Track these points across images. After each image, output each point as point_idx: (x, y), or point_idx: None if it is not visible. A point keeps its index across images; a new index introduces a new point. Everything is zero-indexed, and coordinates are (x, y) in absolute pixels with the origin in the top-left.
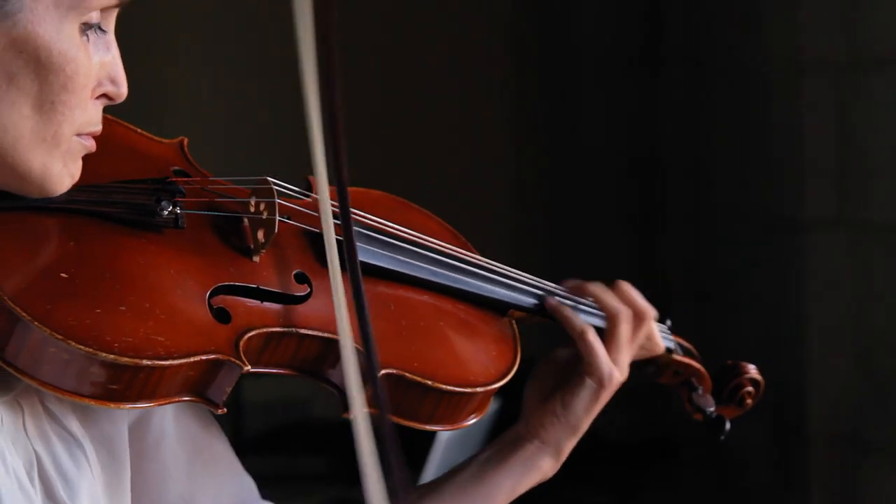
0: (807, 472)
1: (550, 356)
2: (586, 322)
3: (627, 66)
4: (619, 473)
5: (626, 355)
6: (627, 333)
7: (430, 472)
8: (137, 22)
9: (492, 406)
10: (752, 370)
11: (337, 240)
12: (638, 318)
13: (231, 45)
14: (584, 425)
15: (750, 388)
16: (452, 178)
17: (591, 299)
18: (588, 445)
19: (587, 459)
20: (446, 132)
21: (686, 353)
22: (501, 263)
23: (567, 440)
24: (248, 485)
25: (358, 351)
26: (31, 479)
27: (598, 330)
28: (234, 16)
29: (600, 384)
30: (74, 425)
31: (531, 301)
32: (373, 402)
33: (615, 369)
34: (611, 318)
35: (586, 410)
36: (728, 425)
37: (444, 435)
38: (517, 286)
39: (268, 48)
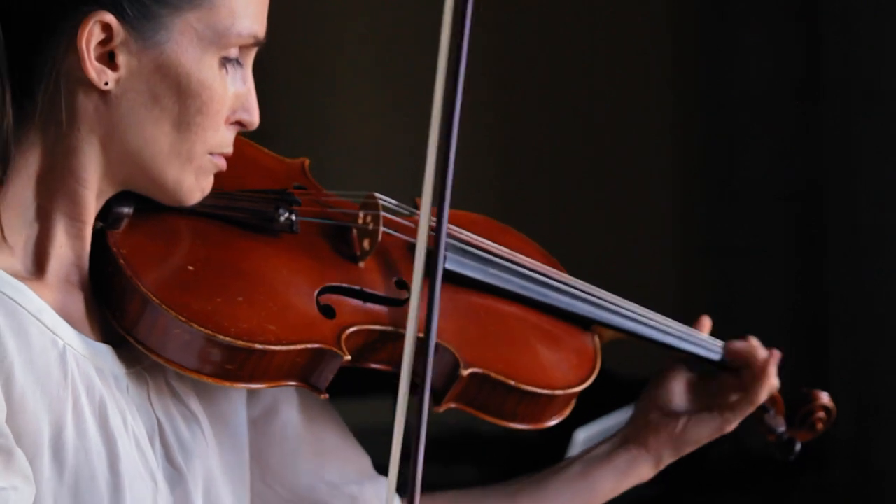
0: None
1: (678, 374)
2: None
3: (788, 98)
4: (767, 483)
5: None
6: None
7: None
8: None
9: (630, 411)
10: (825, 397)
11: (430, 250)
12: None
13: (370, 73)
14: (688, 451)
15: (822, 414)
16: (617, 212)
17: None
18: (738, 456)
19: (736, 470)
20: (611, 168)
21: None
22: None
23: (669, 457)
24: (367, 461)
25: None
26: (153, 443)
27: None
28: (369, 42)
29: (729, 423)
30: (194, 403)
31: (617, 319)
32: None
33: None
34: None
35: (698, 441)
36: (798, 446)
37: (581, 436)
38: (603, 304)
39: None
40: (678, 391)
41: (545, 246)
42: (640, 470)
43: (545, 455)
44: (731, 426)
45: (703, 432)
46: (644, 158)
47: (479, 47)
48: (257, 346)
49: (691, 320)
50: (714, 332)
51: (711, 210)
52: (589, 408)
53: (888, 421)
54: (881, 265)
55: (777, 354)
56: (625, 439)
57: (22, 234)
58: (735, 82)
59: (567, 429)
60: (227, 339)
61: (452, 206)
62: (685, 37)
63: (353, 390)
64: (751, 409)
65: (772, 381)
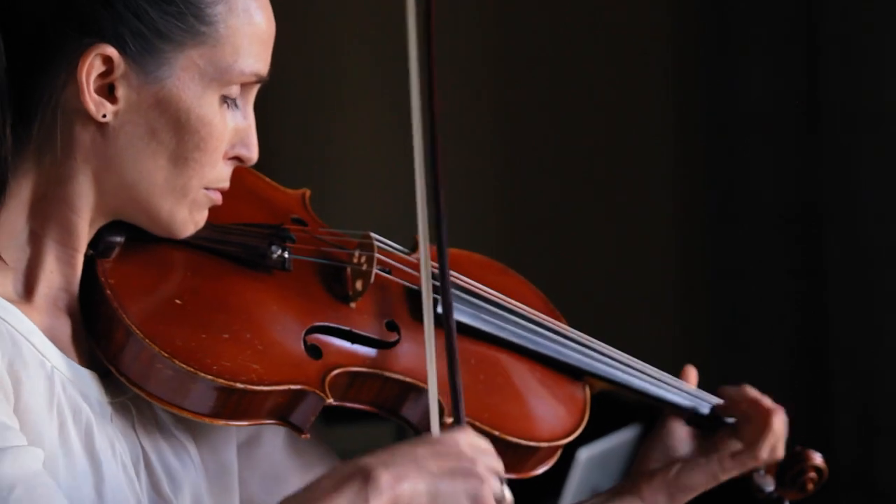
0: None
1: (676, 425)
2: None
3: (786, 123)
4: None
5: None
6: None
7: (569, 492)
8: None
9: (633, 430)
10: (818, 458)
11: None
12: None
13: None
14: (682, 501)
15: (813, 475)
16: (619, 238)
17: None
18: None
19: (738, 492)
20: (612, 192)
21: None
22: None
23: None
24: None
25: (442, 403)
26: (138, 472)
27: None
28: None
29: (726, 472)
30: (182, 433)
31: (609, 371)
32: None
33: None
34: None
35: (692, 489)
36: None
37: (584, 455)
38: (595, 355)
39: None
40: (677, 438)
41: (545, 272)
42: None
43: (548, 475)
44: (727, 475)
45: (697, 479)
46: (644, 182)
47: (481, 70)
48: (238, 385)
49: (692, 347)
50: (716, 358)
51: (712, 234)
52: (592, 428)
53: (892, 443)
54: (882, 286)
55: (781, 410)
56: (620, 489)
57: (13, 257)
58: (735, 106)
59: (570, 448)
60: (209, 377)
61: (452, 242)
62: (686, 60)
63: (346, 417)
64: (754, 464)
65: (777, 436)
